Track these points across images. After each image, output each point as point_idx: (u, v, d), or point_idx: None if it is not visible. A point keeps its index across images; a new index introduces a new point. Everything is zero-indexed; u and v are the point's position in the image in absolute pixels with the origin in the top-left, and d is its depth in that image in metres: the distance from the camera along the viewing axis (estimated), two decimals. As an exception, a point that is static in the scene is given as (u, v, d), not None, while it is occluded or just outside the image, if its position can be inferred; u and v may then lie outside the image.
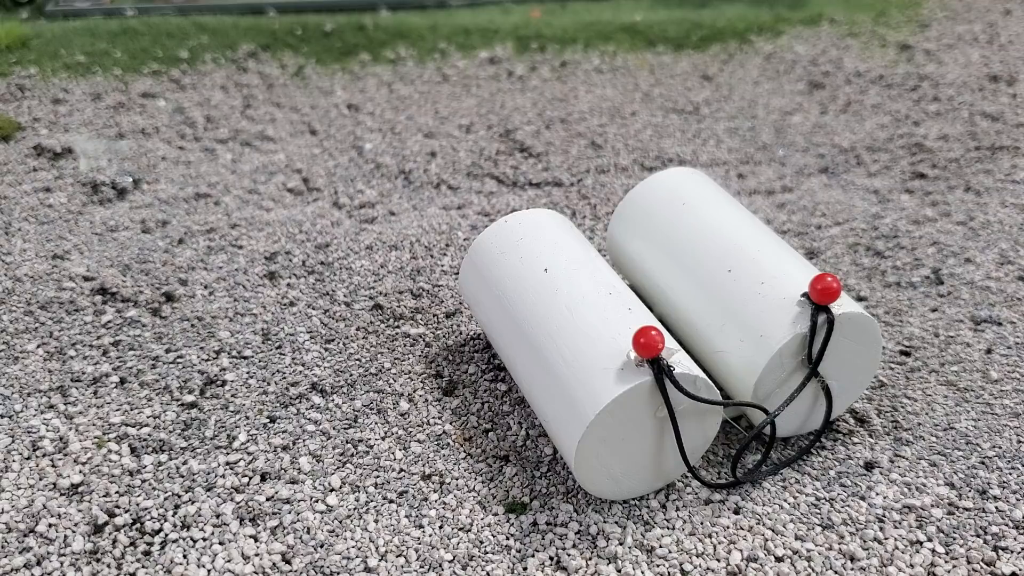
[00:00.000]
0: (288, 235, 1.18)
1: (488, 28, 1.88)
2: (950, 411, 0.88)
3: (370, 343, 0.98)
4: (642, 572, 0.72)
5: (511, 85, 1.66)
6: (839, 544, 0.74)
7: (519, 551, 0.74)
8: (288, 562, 0.73)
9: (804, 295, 0.78)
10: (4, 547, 0.74)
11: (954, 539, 0.75)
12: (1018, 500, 0.78)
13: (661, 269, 0.89)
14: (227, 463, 0.82)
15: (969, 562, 0.73)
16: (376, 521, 0.77)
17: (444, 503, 0.79)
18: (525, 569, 0.73)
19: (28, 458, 0.83)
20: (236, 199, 1.27)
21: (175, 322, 1.01)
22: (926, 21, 1.93)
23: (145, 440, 0.85)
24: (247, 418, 0.88)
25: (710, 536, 0.75)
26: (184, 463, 0.82)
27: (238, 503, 0.78)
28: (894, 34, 1.87)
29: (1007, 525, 0.76)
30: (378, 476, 0.81)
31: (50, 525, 0.76)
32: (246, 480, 0.81)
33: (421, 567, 0.73)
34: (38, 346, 0.97)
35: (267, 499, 0.79)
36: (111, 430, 0.86)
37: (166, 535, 0.75)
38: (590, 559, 0.73)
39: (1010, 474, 0.80)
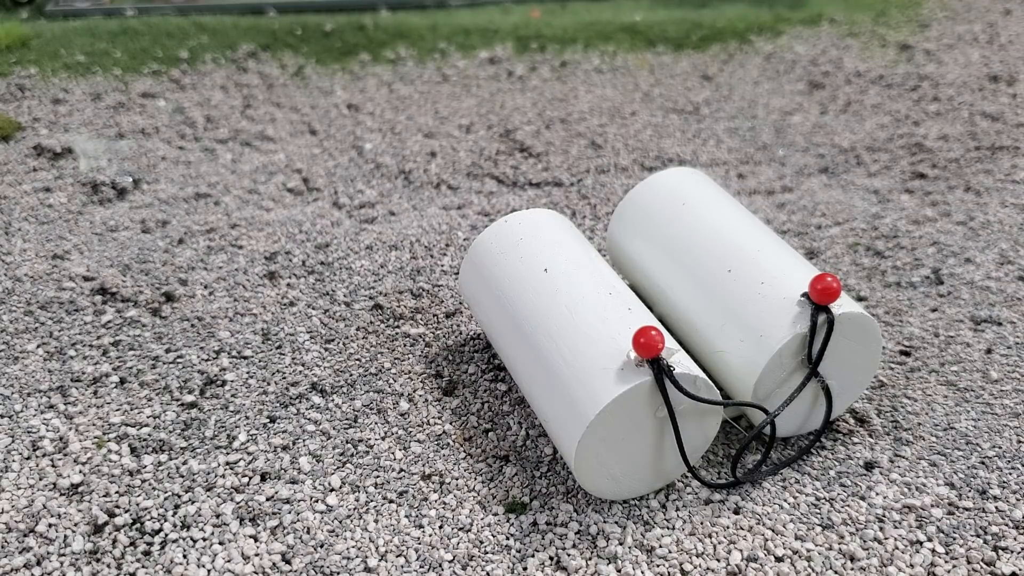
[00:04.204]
0: (288, 235, 1.18)
1: (488, 28, 1.88)
2: (950, 411, 0.88)
3: (370, 343, 0.98)
4: (642, 572, 0.72)
5: (511, 85, 1.66)
6: (839, 544, 0.74)
7: (519, 551, 0.74)
8: (288, 562, 0.73)
9: (804, 295, 0.78)
10: (4, 547, 0.74)
11: (954, 539, 0.75)
12: (1018, 500, 0.78)
13: (661, 269, 0.89)
14: (227, 463, 0.83)
15: (969, 562, 0.73)
16: (376, 521, 0.77)
17: (444, 503, 0.79)
18: (525, 569, 0.73)
19: (28, 458, 0.83)
20: (236, 199, 1.27)
21: (175, 322, 1.01)
22: (926, 21, 1.93)
23: (145, 440, 0.85)
24: (247, 418, 0.88)
25: (710, 536, 0.75)
26: (184, 463, 0.83)
27: (238, 503, 0.78)
28: (894, 34, 1.87)
29: (1007, 525, 0.76)
30: (378, 476, 0.81)
31: (50, 525, 0.76)
32: (246, 480, 0.81)
33: (421, 567, 0.73)
34: (38, 346, 0.97)
35: (267, 499, 0.79)
36: (111, 430, 0.86)
37: (166, 535, 0.75)
38: (590, 559, 0.73)
39: (1010, 474, 0.80)
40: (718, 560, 0.73)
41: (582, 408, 0.72)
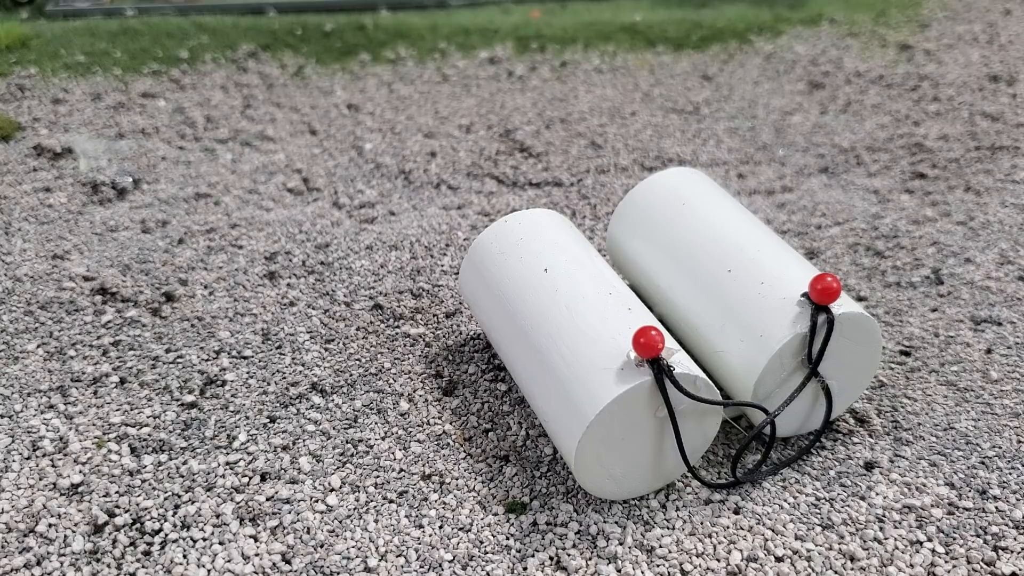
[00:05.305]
0: (288, 235, 1.18)
1: (488, 28, 1.88)
2: (950, 411, 0.88)
3: (370, 343, 0.98)
4: (642, 572, 0.72)
5: (511, 85, 1.66)
6: (839, 544, 0.74)
7: (519, 551, 0.74)
8: (288, 562, 0.73)
9: (804, 295, 0.78)
10: (4, 547, 0.74)
11: (954, 539, 0.75)
12: (1018, 500, 0.78)
13: (661, 269, 0.89)
14: (227, 463, 0.83)
15: (969, 562, 0.73)
16: (376, 521, 0.77)
17: (444, 503, 0.79)
18: (525, 569, 0.73)
19: (28, 458, 0.83)
20: (236, 199, 1.27)
21: (175, 322, 1.01)
22: (926, 21, 1.93)
23: (145, 440, 0.85)
24: (247, 418, 0.88)
25: (710, 536, 0.75)
26: (184, 463, 0.83)
27: (238, 503, 0.78)
28: (894, 34, 1.87)
29: (1007, 525, 0.76)
30: (378, 476, 0.81)
31: (50, 525, 0.76)
32: (246, 480, 0.81)
33: (421, 567, 0.73)
34: (38, 346, 0.97)
35: (267, 499, 0.79)
36: (111, 430, 0.86)
37: (166, 535, 0.75)
38: (590, 559, 0.73)
39: (1010, 474, 0.80)
40: (718, 560, 0.73)
41: (582, 408, 0.72)
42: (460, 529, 0.76)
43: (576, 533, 0.76)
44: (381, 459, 0.83)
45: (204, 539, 0.75)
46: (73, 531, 0.76)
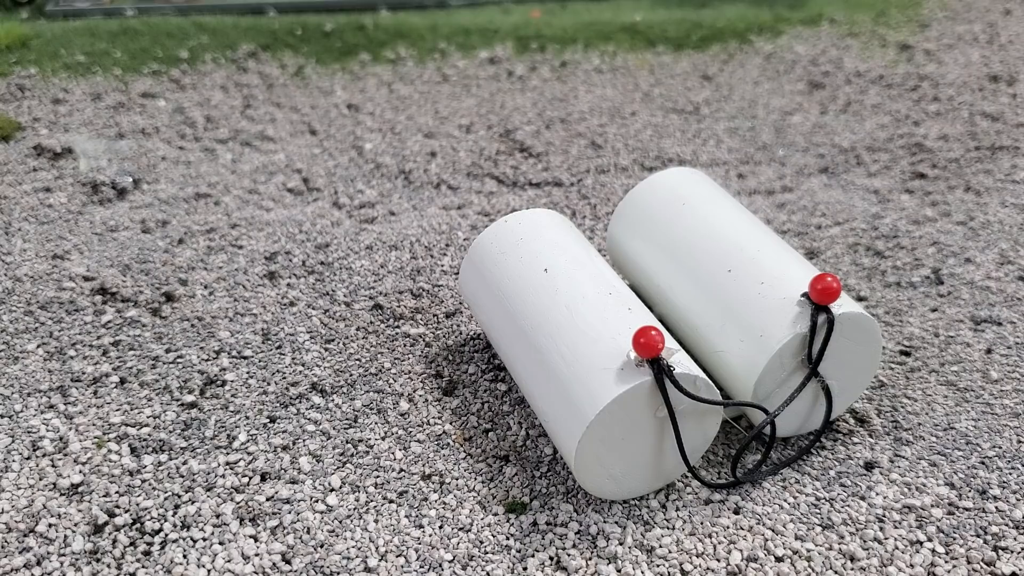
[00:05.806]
0: (288, 235, 1.18)
1: (488, 28, 1.88)
2: (950, 411, 0.88)
3: (370, 343, 0.98)
4: (642, 572, 0.72)
5: (511, 85, 1.66)
6: (839, 544, 0.74)
7: (519, 551, 0.74)
8: (288, 562, 0.73)
9: (804, 295, 0.78)
10: (4, 547, 0.74)
11: (954, 539, 0.75)
12: (1018, 500, 0.78)
13: (661, 269, 0.89)
14: (227, 463, 0.83)
15: (969, 562, 0.73)
16: (376, 521, 0.77)
17: (444, 503, 0.79)
18: (525, 569, 0.73)
19: (28, 458, 0.83)
20: (236, 199, 1.27)
21: (175, 322, 1.01)
22: (926, 21, 1.93)
23: (145, 440, 0.85)
24: (247, 418, 0.88)
25: (710, 536, 0.75)
26: (184, 463, 0.83)
27: (238, 503, 0.78)
28: (894, 34, 1.87)
29: (1007, 525, 0.76)
30: (378, 476, 0.81)
31: (50, 525, 0.76)
32: (246, 480, 0.81)
33: (421, 567, 0.73)
34: (38, 346, 0.97)
35: (267, 499, 0.79)
36: (111, 430, 0.86)
37: (166, 535, 0.75)
38: (590, 559, 0.73)
39: (1010, 474, 0.80)
40: (718, 560, 0.73)
41: (582, 408, 0.72)
42: (460, 529, 0.76)
43: (576, 533, 0.76)
44: (381, 459, 0.83)
45: (204, 539, 0.75)
46: (73, 531, 0.76)
